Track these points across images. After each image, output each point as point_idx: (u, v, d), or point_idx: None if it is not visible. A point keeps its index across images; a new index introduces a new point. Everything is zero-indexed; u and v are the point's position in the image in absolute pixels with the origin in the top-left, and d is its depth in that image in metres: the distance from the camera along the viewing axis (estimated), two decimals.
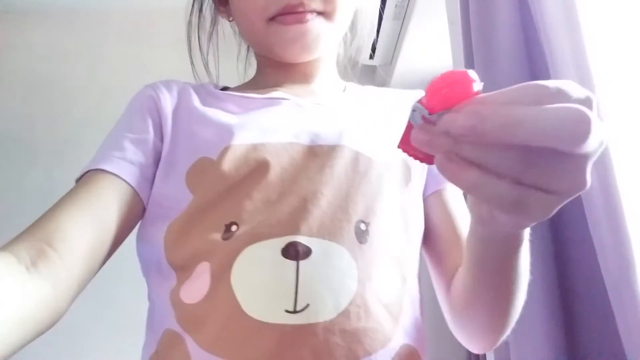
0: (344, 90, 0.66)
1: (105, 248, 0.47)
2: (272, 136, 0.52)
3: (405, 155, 0.31)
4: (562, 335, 0.74)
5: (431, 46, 1.64)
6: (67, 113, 1.94)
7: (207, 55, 0.68)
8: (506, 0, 0.88)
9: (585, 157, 0.27)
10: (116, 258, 0.50)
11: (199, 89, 0.60)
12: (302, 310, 0.42)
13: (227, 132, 0.52)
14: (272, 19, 0.55)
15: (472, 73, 0.28)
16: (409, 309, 0.49)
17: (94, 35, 2.07)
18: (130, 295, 1.03)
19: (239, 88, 0.65)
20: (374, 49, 1.81)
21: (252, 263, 0.45)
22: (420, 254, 0.56)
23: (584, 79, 0.70)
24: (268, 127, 0.53)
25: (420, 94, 0.29)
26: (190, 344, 0.44)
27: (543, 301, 0.74)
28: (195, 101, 0.57)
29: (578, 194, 0.28)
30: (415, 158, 0.31)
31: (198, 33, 0.68)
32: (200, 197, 0.50)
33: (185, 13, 0.68)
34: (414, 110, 0.29)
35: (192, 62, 0.68)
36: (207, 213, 0.49)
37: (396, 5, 1.58)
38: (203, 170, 0.50)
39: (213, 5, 0.67)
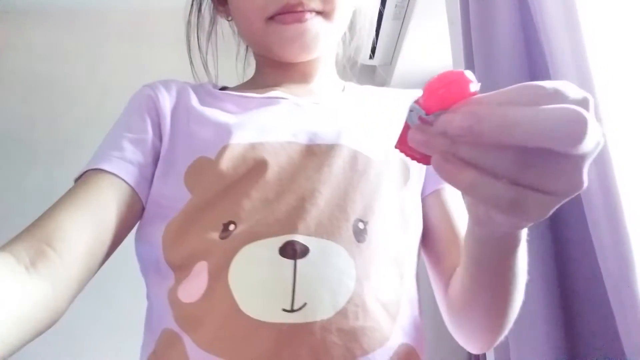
0: (342, 90, 0.66)
1: (105, 248, 0.47)
2: (270, 135, 0.52)
3: (402, 155, 0.31)
4: (562, 335, 0.74)
5: (431, 46, 1.64)
6: (67, 113, 1.94)
7: (206, 55, 0.68)
8: (506, 0, 0.88)
9: (581, 158, 0.27)
10: (116, 258, 0.50)
11: (198, 89, 0.60)
12: (300, 309, 0.42)
13: (225, 131, 0.52)
14: (271, 18, 0.55)
15: (468, 73, 0.28)
16: (408, 308, 0.49)
17: (94, 35, 2.07)
18: (129, 295, 1.03)
19: (238, 88, 0.65)
20: (374, 49, 1.81)
21: (249, 262, 0.45)
22: (419, 254, 0.56)
23: (584, 79, 0.70)
24: (266, 126, 0.53)
25: (419, 94, 0.29)
26: (188, 343, 0.44)
27: (543, 301, 0.74)
28: (194, 101, 0.57)
29: (575, 195, 0.28)
30: (413, 158, 0.31)
31: (197, 33, 0.68)
32: (198, 196, 0.50)
33: (184, 13, 0.68)
34: (411, 111, 0.29)
35: (191, 62, 0.68)
36: (205, 212, 0.49)
37: (396, 5, 1.58)
38: (201, 170, 0.50)
39: (212, 4, 0.67)
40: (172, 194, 0.51)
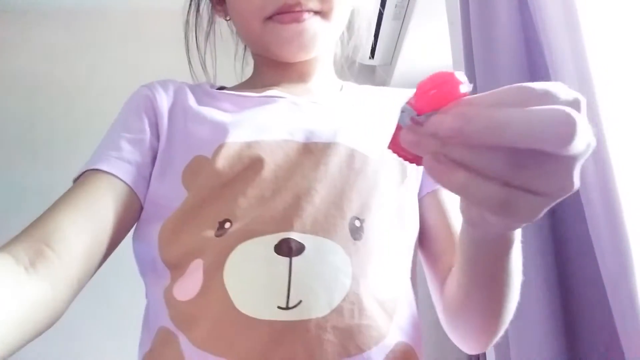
0: (340, 89, 0.66)
1: (103, 247, 0.47)
2: (266, 134, 0.52)
3: (395, 155, 0.31)
4: (562, 334, 0.74)
5: (431, 46, 1.65)
6: (67, 113, 1.94)
7: (205, 54, 0.68)
8: (506, 0, 0.88)
9: (572, 159, 0.27)
10: (116, 258, 0.51)
11: (196, 89, 0.60)
12: (295, 306, 0.42)
13: (221, 130, 0.52)
14: (269, 18, 0.55)
15: (459, 74, 0.28)
16: (405, 307, 0.49)
17: (94, 35, 2.07)
18: (129, 295, 1.03)
19: (236, 87, 0.65)
20: (374, 49, 1.81)
21: (244, 260, 0.45)
22: (416, 253, 0.56)
23: (584, 79, 0.70)
24: (263, 124, 0.53)
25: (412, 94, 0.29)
26: (184, 341, 0.44)
27: (543, 301, 0.74)
28: (191, 100, 0.57)
29: (566, 196, 0.28)
30: (405, 159, 0.31)
31: (195, 32, 0.68)
32: (194, 194, 0.50)
33: (184, 13, 0.68)
34: (402, 112, 0.29)
35: (189, 62, 0.68)
36: (200, 210, 0.49)
37: (396, 5, 1.58)
38: (198, 169, 0.50)
39: (210, 4, 0.67)
40: (170, 193, 0.51)
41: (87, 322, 1.55)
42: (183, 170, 0.51)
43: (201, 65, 0.68)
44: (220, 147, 0.50)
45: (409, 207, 0.55)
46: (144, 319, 0.52)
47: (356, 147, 0.52)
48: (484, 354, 1.05)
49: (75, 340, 1.57)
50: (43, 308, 0.40)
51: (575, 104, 0.27)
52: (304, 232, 0.45)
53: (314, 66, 0.63)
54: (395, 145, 0.30)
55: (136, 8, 2.04)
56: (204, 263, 0.46)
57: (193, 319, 0.45)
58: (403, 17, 1.63)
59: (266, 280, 0.44)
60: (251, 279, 0.44)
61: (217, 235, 0.47)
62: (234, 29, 0.69)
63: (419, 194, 0.58)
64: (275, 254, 0.44)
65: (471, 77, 0.93)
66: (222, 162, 0.49)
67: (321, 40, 0.58)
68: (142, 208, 0.52)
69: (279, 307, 0.42)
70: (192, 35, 0.68)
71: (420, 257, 0.59)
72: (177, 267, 0.48)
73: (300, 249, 0.44)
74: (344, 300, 0.44)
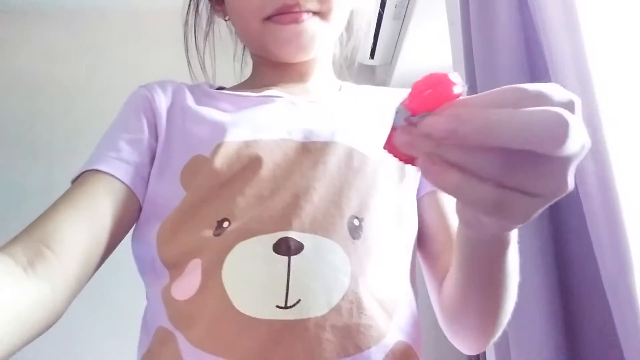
0: (339, 90, 0.66)
1: (102, 248, 0.47)
2: (265, 133, 0.52)
3: (391, 156, 0.31)
4: (562, 334, 0.74)
5: (431, 46, 1.65)
6: (67, 113, 1.94)
7: (204, 54, 0.68)
8: (506, 0, 0.88)
9: (566, 160, 0.27)
10: (116, 258, 0.50)
11: (194, 89, 0.60)
12: (294, 305, 0.42)
13: (220, 129, 0.52)
14: (268, 18, 0.55)
15: (453, 75, 0.28)
16: (405, 306, 0.49)
17: (94, 35, 2.07)
18: (129, 295, 1.03)
19: (235, 88, 0.65)
20: (374, 49, 1.81)
21: (243, 259, 0.45)
22: (415, 253, 0.56)
23: (584, 79, 0.70)
24: (261, 124, 0.53)
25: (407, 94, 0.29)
26: (182, 341, 0.44)
27: (543, 300, 0.74)
28: (190, 100, 0.57)
29: (561, 197, 0.28)
30: (400, 159, 0.31)
31: (195, 32, 0.68)
32: (193, 194, 0.50)
33: (183, 13, 0.68)
34: (397, 112, 0.29)
35: (188, 62, 0.68)
36: (199, 210, 0.49)
37: (396, 5, 1.58)
38: (197, 168, 0.50)
39: (209, 4, 0.67)
40: (168, 193, 0.51)
41: (87, 322, 1.55)
42: (181, 170, 0.51)
43: (200, 65, 0.68)
44: (219, 146, 0.50)
45: (407, 207, 0.55)
46: (143, 320, 0.52)
47: (355, 147, 0.52)
48: (484, 354, 1.05)
49: (75, 340, 1.57)
50: (42, 309, 0.40)
51: (569, 106, 0.27)
52: (302, 231, 0.45)
53: (312, 66, 0.63)
54: (390, 146, 0.30)
55: (136, 8, 2.04)
56: (202, 262, 0.46)
57: (191, 319, 0.45)
58: (403, 17, 1.63)
59: (265, 280, 0.43)
60: (250, 278, 0.44)
61: (215, 235, 0.47)
62: (233, 29, 0.68)
63: (417, 194, 0.58)
64: (274, 253, 0.44)
65: (471, 77, 0.93)
66: (220, 161, 0.49)
67: (320, 41, 0.58)
68: (141, 208, 0.52)
69: (278, 307, 0.42)
70: (191, 35, 0.68)
71: (419, 258, 0.59)
72: (175, 267, 0.48)
73: (299, 248, 0.44)
74: (342, 299, 0.43)
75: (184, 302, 0.46)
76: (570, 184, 0.28)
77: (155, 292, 0.49)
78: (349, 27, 0.68)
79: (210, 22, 0.68)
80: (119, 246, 0.51)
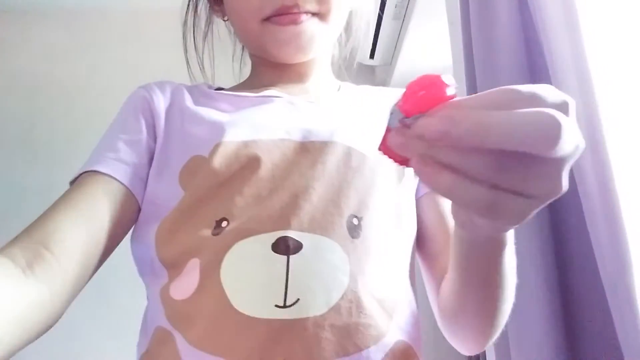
0: (338, 90, 0.66)
1: (102, 249, 0.47)
2: (263, 133, 0.52)
3: (385, 157, 0.31)
4: (562, 334, 0.74)
5: (431, 46, 1.65)
6: (67, 113, 1.95)
7: (203, 55, 0.68)
8: (506, 0, 0.88)
9: (560, 161, 0.27)
10: (116, 258, 0.50)
11: (193, 90, 0.60)
12: (292, 305, 0.42)
13: (218, 129, 0.52)
14: (267, 19, 0.55)
15: (446, 77, 0.28)
16: (404, 305, 0.49)
17: (94, 35, 2.07)
18: (129, 295, 1.03)
19: (234, 88, 0.65)
20: (373, 49, 1.81)
21: (242, 258, 0.45)
22: (414, 253, 0.56)
23: (584, 79, 0.70)
24: (260, 124, 0.53)
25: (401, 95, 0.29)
26: (180, 341, 0.44)
27: (543, 300, 0.74)
28: (188, 101, 0.57)
29: (555, 198, 0.28)
30: (395, 161, 0.31)
31: (193, 33, 0.68)
32: (191, 194, 0.50)
33: (182, 13, 0.68)
34: (391, 113, 0.29)
35: (187, 62, 0.68)
36: (197, 209, 0.49)
37: (396, 5, 1.58)
38: (196, 169, 0.50)
39: (208, 4, 0.67)
40: (167, 193, 0.51)
41: (87, 322, 1.55)
42: (180, 170, 0.51)
43: (199, 65, 0.68)
44: (217, 146, 0.50)
45: (406, 207, 0.55)
46: (142, 320, 0.52)
47: (353, 146, 0.52)
48: (484, 354, 1.05)
49: (75, 340, 1.57)
50: (41, 310, 0.40)
51: (563, 107, 0.27)
52: (301, 230, 0.45)
53: (311, 67, 0.63)
54: (385, 147, 0.30)
55: (136, 8, 2.04)
56: (201, 262, 0.46)
57: (189, 318, 0.45)
58: (403, 17, 1.64)
59: (263, 279, 0.43)
60: (248, 278, 0.44)
61: (214, 234, 0.47)
62: (232, 30, 0.68)
63: (416, 194, 0.58)
64: (273, 252, 0.44)
65: (471, 77, 0.93)
66: (219, 161, 0.49)
67: (319, 42, 0.58)
68: (139, 209, 0.52)
69: (277, 306, 0.42)
70: (190, 35, 0.68)
71: (418, 258, 0.59)
72: (174, 267, 0.48)
73: (297, 247, 0.44)
74: (342, 298, 0.43)
75: (182, 302, 0.46)
76: (565, 184, 0.28)
77: (154, 292, 0.49)
78: (347, 28, 0.68)
79: (209, 22, 0.68)
80: (119, 247, 0.51)
